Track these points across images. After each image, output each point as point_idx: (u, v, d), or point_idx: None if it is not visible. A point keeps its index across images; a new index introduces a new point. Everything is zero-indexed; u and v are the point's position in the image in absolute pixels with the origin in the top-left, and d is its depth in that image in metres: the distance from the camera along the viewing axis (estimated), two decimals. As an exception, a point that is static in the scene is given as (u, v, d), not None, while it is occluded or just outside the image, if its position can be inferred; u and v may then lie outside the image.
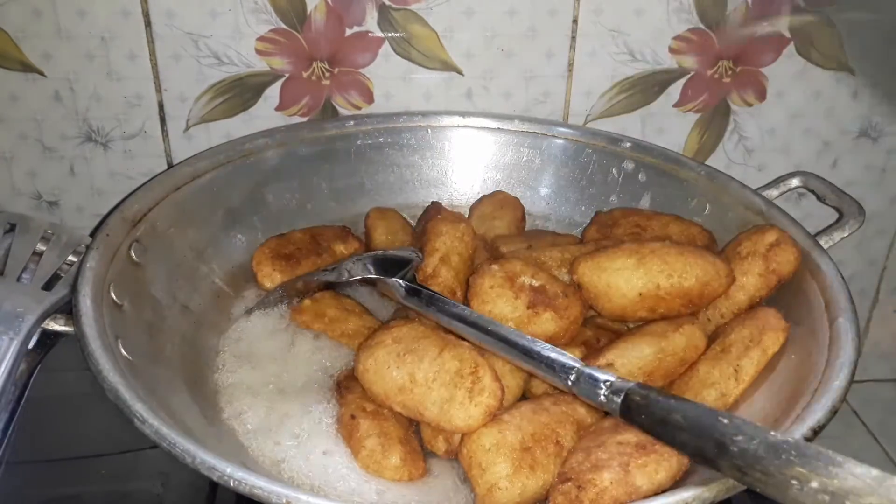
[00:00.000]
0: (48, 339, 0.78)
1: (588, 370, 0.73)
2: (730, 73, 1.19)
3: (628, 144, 1.11)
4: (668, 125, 1.21)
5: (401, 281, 0.88)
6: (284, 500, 0.61)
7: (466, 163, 1.16)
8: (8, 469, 0.71)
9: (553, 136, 1.14)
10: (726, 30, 1.15)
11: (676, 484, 0.70)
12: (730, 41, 1.16)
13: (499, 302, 0.83)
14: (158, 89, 1.13)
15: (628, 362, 0.82)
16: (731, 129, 1.23)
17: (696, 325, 0.87)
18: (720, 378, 0.82)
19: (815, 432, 0.69)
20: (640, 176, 1.10)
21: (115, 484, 0.92)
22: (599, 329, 0.92)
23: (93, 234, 0.87)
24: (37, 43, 1.09)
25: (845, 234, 0.96)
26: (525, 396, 0.85)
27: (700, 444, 0.60)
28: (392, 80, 1.16)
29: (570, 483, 0.69)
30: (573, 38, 1.15)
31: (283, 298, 0.97)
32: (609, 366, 0.81)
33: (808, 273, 0.89)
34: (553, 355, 0.75)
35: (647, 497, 0.66)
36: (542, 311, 0.83)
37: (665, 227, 1.00)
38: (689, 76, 1.19)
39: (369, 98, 1.17)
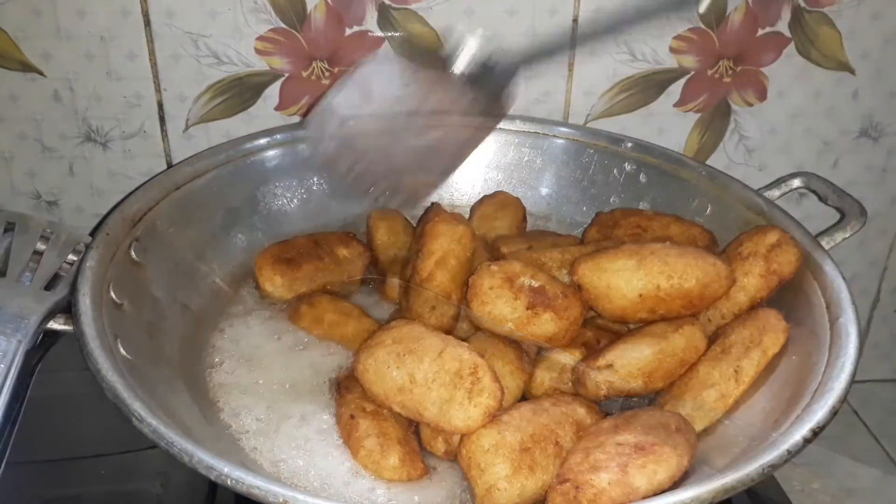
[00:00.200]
0: (48, 338, 0.78)
1: None
2: (730, 72, 1.19)
3: (629, 145, 1.11)
4: (668, 125, 1.21)
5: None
6: (282, 500, 0.61)
7: (467, 162, 1.15)
8: (8, 469, 0.71)
9: (554, 136, 1.14)
10: (726, 29, 1.15)
11: (675, 485, 0.70)
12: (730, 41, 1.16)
13: (498, 303, 0.83)
14: (158, 89, 1.13)
15: (628, 363, 0.82)
16: (732, 128, 1.23)
17: (696, 325, 0.86)
18: (720, 379, 0.82)
19: (816, 433, 0.69)
20: (641, 176, 1.10)
21: (115, 484, 0.92)
22: (600, 330, 0.91)
23: (93, 234, 0.87)
24: (36, 43, 1.09)
25: (847, 235, 0.96)
26: (525, 397, 0.85)
27: None
28: (392, 80, 1.15)
29: (567, 484, 0.69)
30: (573, 38, 1.14)
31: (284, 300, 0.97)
32: (609, 367, 0.82)
33: (809, 273, 0.89)
34: None
35: (645, 498, 0.66)
36: (542, 311, 0.83)
37: (666, 227, 1.00)
38: (689, 76, 1.18)
39: (369, 98, 1.16)
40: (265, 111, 1.16)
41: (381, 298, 1.02)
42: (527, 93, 1.17)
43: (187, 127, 1.16)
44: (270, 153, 1.08)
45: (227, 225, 1.03)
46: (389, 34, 1.13)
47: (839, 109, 1.22)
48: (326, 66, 1.14)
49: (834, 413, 0.70)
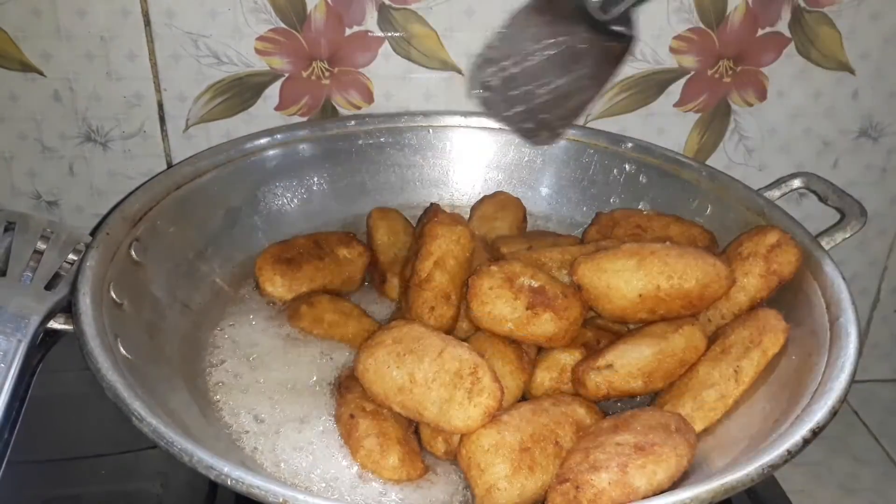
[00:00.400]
0: (48, 338, 0.78)
1: None
2: (730, 72, 1.19)
3: (630, 145, 1.11)
4: (668, 125, 1.21)
5: None
6: (281, 500, 0.61)
7: (468, 163, 1.15)
8: (8, 469, 0.71)
9: (555, 136, 1.14)
10: (726, 29, 1.15)
11: (675, 485, 0.70)
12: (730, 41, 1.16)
13: (498, 303, 0.83)
14: (158, 89, 1.13)
15: (628, 363, 0.82)
16: (732, 128, 1.23)
17: (696, 326, 0.86)
18: (720, 379, 0.82)
19: (816, 433, 0.69)
20: (641, 177, 1.10)
21: (115, 484, 0.92)
22: (600, 330, 0.92)
23: (93, 234, 0.87)
24: (36, 43, 1.09)
25: (847, 235, 0.96)
26: (525, 398, 0.85)
27: None
28: (392, 80, 1.16)
29: (567, 484, 0.68)
30: (573, 37, 1.14)
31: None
32: (609, 367, 0.82)
33: (809, 274, 0.89)
34: None
35: (645, 498, 0.66)
36: (542, 311, 0.83)
37: (666, 227, 1.00)
38: (689, 76, 1.19)
39: (369, 98, 1.16)
40: (265, 111, 1.16)
41: (380, 298, 1.02)
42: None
43: (187, 127, 1.16)
44: (271, 153, 1.08)
45: (228, 225, 1.03)
46: (389, 34, 1.13)
47: (839, 109, 1.22)
48: (326, 66, 1.14)
49: (834, 413, 0.70)
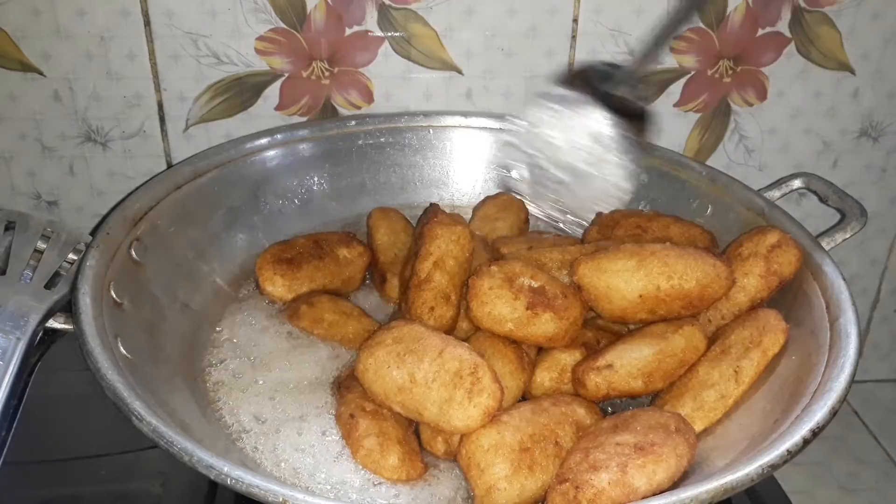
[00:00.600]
0: (47, 337, 0.78)
1: None
2: (730, 72, 1.19)
3: (630, 145, 1.11)
4: (668, 125, 1.21)
5: None
6: (281, 499, 0.61)
7: (468, 163, 1.15)
8: (8, 469, 0.71)
9: (554, 136, 1.14)
10: (726, 29, 1.15)
11: (675, 484, 0.70)
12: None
13: (498, 303, 0.83)
14: (158, 89, 1.13)
15: (628, 363, 0.82)
16: (732, 128, 1.23)
17: (696, 326, 0.86)
18: (720, 379, 0.81)
19: (815, 433, 0.69)
20: (641, 177, 1.10)
21: (115, 484, 0.92)
22: (600, 330, 0.91)
23: (93, 233, 0.87)
24: (36, 43, 1.09)
25: (847, 236, 0.96)
26: (525, 397, 0.85)
27: None
28: (392, 80, 1.16)
29: (567, 483, 0.68)
30: (573, 37, 1.15)
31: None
32: (609, 367, 0.82)
33: (809, 274, 0.89)
34: None
35: (645, 498, 0.66)
36: (542, 312, 0.83)
37: (666, 228, 1.00)
38: (689, 76, 1.19)
39: (369, 98, 1.16)
40: (265, 111, 1.16)
41: (381, 298, 1.02)
42: (527, 93, 1.17)
43: (187, 127, 1.16)
44: (271, 153, 1.08)
45: (228, 225, 1.03)
46: (389, 34, 1.13)
47: (839, 109, 1.22)
48: (326, 66, 1.14)
49: (834, 413, 0.70)
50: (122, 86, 1.13)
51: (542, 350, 0.88)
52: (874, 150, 1.26)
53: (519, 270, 0.85)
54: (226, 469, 0.63)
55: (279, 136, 1.09)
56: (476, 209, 1.10)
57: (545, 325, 0.83)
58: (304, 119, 1.17)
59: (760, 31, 1.16)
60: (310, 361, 0.90)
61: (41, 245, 0.86)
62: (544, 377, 0.86)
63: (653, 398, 0.85)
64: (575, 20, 1.13)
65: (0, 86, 1.11)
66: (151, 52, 1.11)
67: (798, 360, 0.81)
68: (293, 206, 1.09)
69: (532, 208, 1.08)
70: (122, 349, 0.76)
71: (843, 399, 0.72)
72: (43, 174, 1.18)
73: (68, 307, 0.78)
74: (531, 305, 0.83)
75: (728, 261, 0.90)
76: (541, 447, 0.74)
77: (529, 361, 0.86)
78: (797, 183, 1.06)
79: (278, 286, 0.97)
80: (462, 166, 1.15)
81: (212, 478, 0.63)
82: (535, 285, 0.84)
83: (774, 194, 1.05)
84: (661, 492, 0.68)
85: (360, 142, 1.12)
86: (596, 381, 0.81)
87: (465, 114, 1.14)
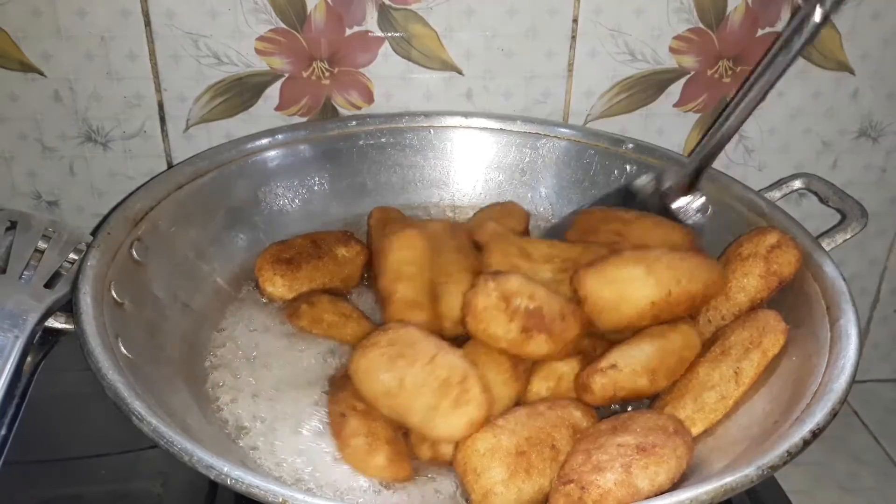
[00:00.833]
0: (50, 337, 0.78)
1: None
2: (730, 72, 1.19)
3: (630, 145, 1.11)
4: (668, 125, 1.21)
5: None
6: (281, 500, 0.61)
7: (468, 163, 1.15)
8: (8, 469, 0.71)
9: (556, 136, 1.14)
10: (726, 29, 1.15)
11: (673, 486, 0.70)
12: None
13: (492, 324, 0.80)
14: (158, 89, 1.13)
15: (632, 361, 0.82)
16: (732, 129, 1.23)
17: (690, 323, 0.87)
18: (720, 380, 0.82)
19: (815, 434, 0.69)
20: (641, 178, 1.10)
21: (115, 484, 0.92)
22: (595, 338, 0.89)
23: (94, 233, 0.87)
24: (37, 43, 1.09)
25: (847, 236, 0.96)
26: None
27: None
28: (392, 80, 1.16)
29: (572, 484, 0.68)
30: (573, 37, 1.15)
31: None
32: (613, 366, 0.81)
33: (809, 275, 0.89)
34: None
35: (647, 499, 0.66)
36: (537, 334, 0.81)
37: (647, 231, 0.97)
38: (689, 76, 1.19)
39: (369, 98, 1.17)
40: (265, 111, 1.16)
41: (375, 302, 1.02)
42: (527, 93, 1.18)
43: (188, 127, 1.16)
44: (272, 153, 1.08)
45: (229, 225, 1.03)
46: (389, 34, 1.13)
47: (838, 109, 1.23)
48: (326, 66, 1.14)
49: (834, 414, 0.70)
50: (123, 86, 1.13)
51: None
52: (874, 150, 1.26)
53: (516, 288, 0.82)
54: (226, 469, 0.63)
55: (280, 137, 1.09)
56: (478, 211, 1.10)
57: (539, 347, 0.81)
58: (304, 119, 1.17)
59: (760, 32, 1.16)
60: (310, 361, 0.90)
61: (42, 245, 0.86)
62: (541, 386, 0.84)
63: (652, 400, 0.85)
64: (575, 20, 1.13)
65: (0, 86, 1.11)
66: (152, 53, 1.11)
67: (798, 360, 0.81)
68: (294, 206, 1.09)
69: None
70: (122, 349, 0.76)
71: (844, 400, 0.72)
72: (43, 174, 1.18)
73: (69, 307, 0.78)
74: (526, 329, 0.81)
75: (728, 261, 0.90)
76: (537, 451, 0.73)
77: (525, 370, 0.85)
78: (797, 183, 1.06)
79: (278, 286, 0.97)
80: (462, 166, 1.15)
81: (212, 478, 0.63)
82: (532, 307, 0.81)
83: (775, 195, 1.05)
84: (662, 493, 0.68)
85: (360, 142, 1.12)
86: (602, 383, 0.81)
87: (466, 114, 1.15)
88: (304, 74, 1.14)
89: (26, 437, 0.73)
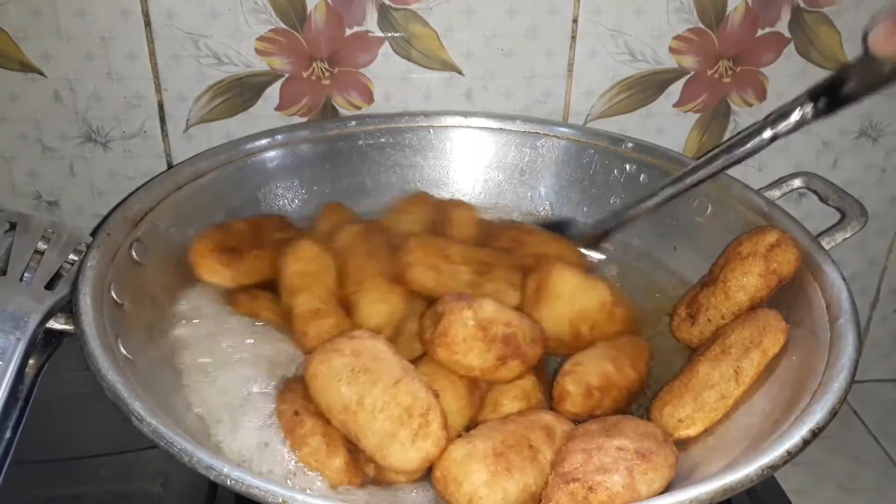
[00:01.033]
0: (53, 338, 0.78)
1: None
2: (730, 72, 1.19)
3: (630, 145, 1.11)
4: (668, 125, 1.21)
5: None
6: (281, 500, 0.61)
7: (468, 163, 1.15)
8: (9, 469, 0.71)
9: (555, 136, 1.14)
10: (726, 29, 1.15)
11: (662, 493, 0.70)
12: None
13: (469, 354, 0.79)
14: (158, 89, 1.13)
15: (592, 354, 0.85)
16: (732, 128, 1.23)
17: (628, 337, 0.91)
18: (720, 379, 0.82)
19: (815, 434, 0.69)
20: (641, 177, 1.10)
21: (115, 484, 0.92)
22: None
23: (94, 234, 0.87)
24: (37, 43, 1.09)
25: (847, 235, 0.96)
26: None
27: None
28: (392, 80, 1.16)
29: (577, 483, 0.67)
30: (573, 37, 1.15)
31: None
32: (578, 364, 0.84)
33: (809, 274, 0.89)
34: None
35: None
36: (510, 360, 0.81)
37: (543, 244, 1.02)
38: (689, 76, 1.19)
39: (369, 98, 1.17)
40: (265, 111, 1.16)
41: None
42: (527, 93, 1.18)
43: (188, 127, 1.16)
44: (271, 153, 1.08)
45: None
46: (389, 35, 1.13)
47: (839, 109, 1.22)
48: (326, 66, 1.14)
49: (833, 414, 0.70)
50: (123, 86, 1.13)
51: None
52: (874, 150, 1.26)
53: (492, 315, 0.81)
54: (225, 470, 0.63)
55: (279, 137, 1.09)
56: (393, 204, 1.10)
57: (511, 371, 0.82)
58: (304, 119, 1.17)
59: (760, 32, 1.16)
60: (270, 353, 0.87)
61: (42, 246, 0.86)
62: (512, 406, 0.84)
63: (652, 399, 0.86)
64: (575, 20, 1.13)
65: (1, 86, 1.11)
66: (152, 53, 1.11)
67: (798, 360, 0.81)
68: (294, 206, 1.09)
69: None
70: (122, 350, 0.76)
71: (843, 399, 0.72)
72: (43, 174, 1.18)
73: (69, 308, 0.78)
74: (502, 357, 0.80)
75: (727, 260, 0.91)
76: (515, 450, 0.72)
77: (481, 395, 0.84)
78: (797, 182, 1.06)
79: (221, 276, 0.94)
80: (462, 166, 1.15)
81: (211, 478, 0.63)
82: (508, 332, 0.80)
83: (774, 194, 1.05)
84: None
85: (360, 142, 1.12)
86: (573, 379, 0.82)
87: (466, 114, 1.15)
88: (304, 74, 1.14)
89: (26, 437, 0.73)
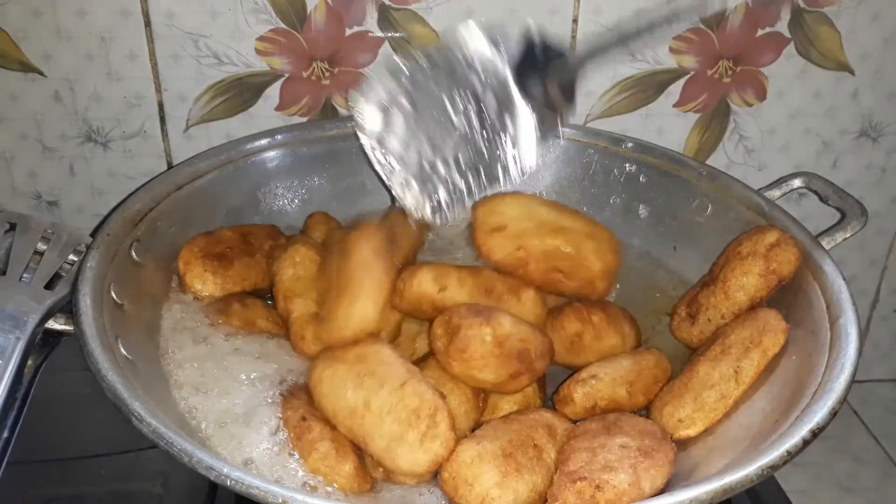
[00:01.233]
0: (51, 338, 0.79)
1: None
2: (730, 72, 1.19)
3: (630, 145, 1.11)
4: (668, 125, 1.21)
5: None
6: (281, 500, 0.61)
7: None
8: (8, 469, 0.71)
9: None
10: (726, 29, 1.15)
11: (662, 490, 0.70)
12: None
13: (486, 370, 0.79)
14: (158, 89, 1.13)
15: (611, 371, 0.84)
16: (732, 129, 1.23)
17: (659, 352, 0.89)
18: (720, 379, 0.82)
19: (815, 434, 0.69)
20: (641, 177, 1.10)
21: (115, 484, 0.92)
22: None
23: (93, 234, 0.87)
24: (37, 43, 1.09)
25: (847, 235, 0.96)
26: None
27: None
28: (392, 80, 1.15)
29: (584, 482, 0.67)
30: (573, 37, 1.15)
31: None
32: (593, 377, 0.82)
33: (809, 274, 0.89)
34: None
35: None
36: (522, 374, 0.81)
37: None
38: (688, 76, 1.19)
39: (369, 98, 1.16)
40: (265, 111, 1.16)
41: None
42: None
43: (188, 127, 1.16)
44: (271, 153, 1.08)
45: (228, 225, 1.02)
46: (389, 34, 1.13)
47: (839, 109, 1.22)
48: (326, 66, 1.14)
49: (833, 414, 0.70)
50: (123, 86, 1.13)
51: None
52: (874, 150, 1.26)
53: (509, 331, 0.80)
54: (226, 470, 0.63)
55: (279, 137, 1.09)
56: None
57: (519, 385, 0.82)
58: (304, 119, 1.17)
59: (760, 32, 1.16)
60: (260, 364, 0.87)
61: (42, 246, 0.86)
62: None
63: (652, 398, 0.86)
64: (575, 20, 1.13)
65: (1, 86, 1.11)
66: (152, 53, 1.11)
67: (798, 360, 0.81)
68: (294, 206, 1.09)
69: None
70: (122, 350, 0.76)
71: (843, 399, 0.72)
72: (43, 174, 1.18)
73: (69, 308, 0.78)
74: (515, 374, 0.80)
75: (727, 260, 0.91)
76: (522, 451, 0.72)
77: (484, 399, 0.84)
78: (797, 182, 1.06)
79: (208, 283, 0.93)
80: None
81: (212, 479, 0.63)
82: (522, 348, 0.80)
83: (774, 194, 1.05)
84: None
85: (360, 142, 1.12)
86: (584, 392, 0.82)
87: (465, 114, 1.14)
88: (304, 74, 1.14)
89: (26, 437, 0.73)
